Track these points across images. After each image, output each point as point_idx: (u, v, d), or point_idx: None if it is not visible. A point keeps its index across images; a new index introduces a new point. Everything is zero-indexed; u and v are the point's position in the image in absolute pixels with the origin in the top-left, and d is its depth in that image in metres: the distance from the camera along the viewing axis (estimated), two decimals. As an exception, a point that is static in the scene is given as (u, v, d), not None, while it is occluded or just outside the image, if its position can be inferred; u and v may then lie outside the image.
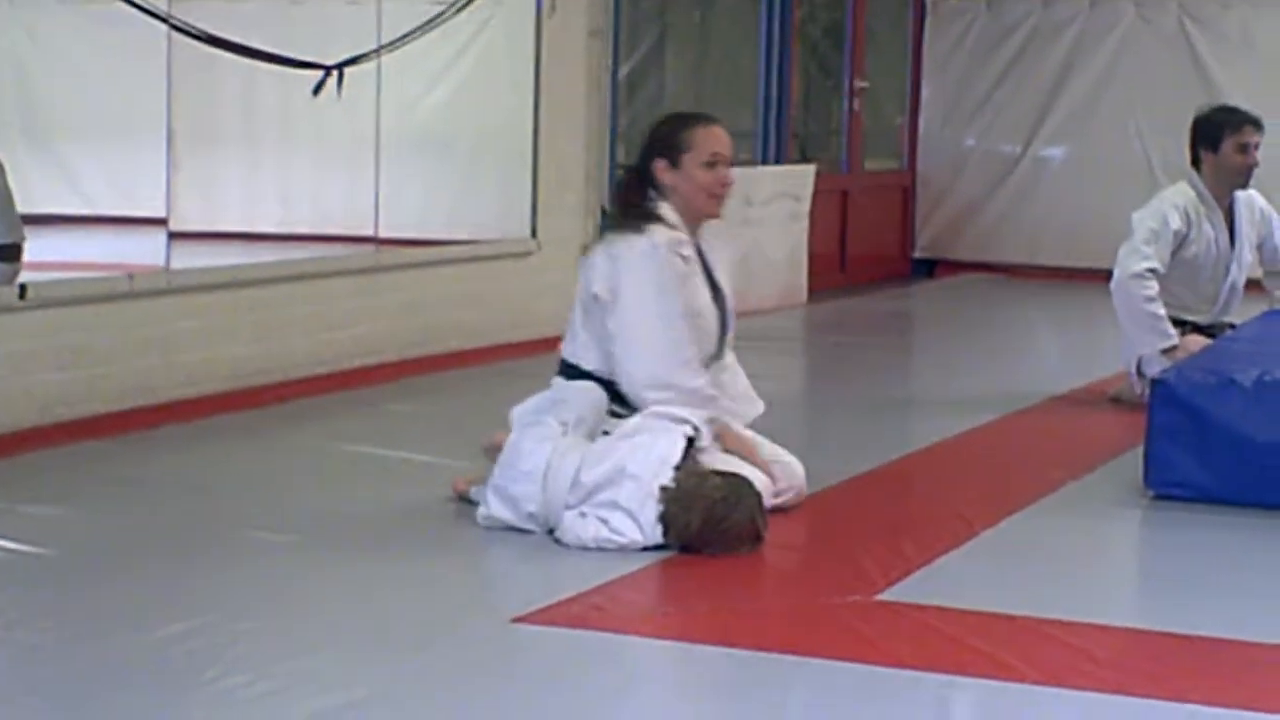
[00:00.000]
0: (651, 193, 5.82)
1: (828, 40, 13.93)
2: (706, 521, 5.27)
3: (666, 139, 5.86)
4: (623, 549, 5.28)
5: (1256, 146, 8.06)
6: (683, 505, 5.29)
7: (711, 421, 5.70)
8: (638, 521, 5.30)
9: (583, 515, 5.37)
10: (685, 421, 5.55)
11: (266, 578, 5.05)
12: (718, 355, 5.95)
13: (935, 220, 14.43)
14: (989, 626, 4.62)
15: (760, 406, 6.09)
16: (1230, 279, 8.17)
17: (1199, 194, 8.07)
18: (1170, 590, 5.28)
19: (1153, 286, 7.86)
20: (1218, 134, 8.05)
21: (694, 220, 5.87)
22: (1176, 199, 8.06)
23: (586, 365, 5.78)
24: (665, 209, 5.81)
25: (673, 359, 5.68)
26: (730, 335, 6.02)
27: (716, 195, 5.84)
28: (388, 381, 8.46)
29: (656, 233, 5.75)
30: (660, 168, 5.81)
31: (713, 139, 5.84)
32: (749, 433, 5.94)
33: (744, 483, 5.40)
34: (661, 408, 5.59)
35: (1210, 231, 8.07)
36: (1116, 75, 13.79)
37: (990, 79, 14.19)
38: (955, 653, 4.39)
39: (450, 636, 4.50)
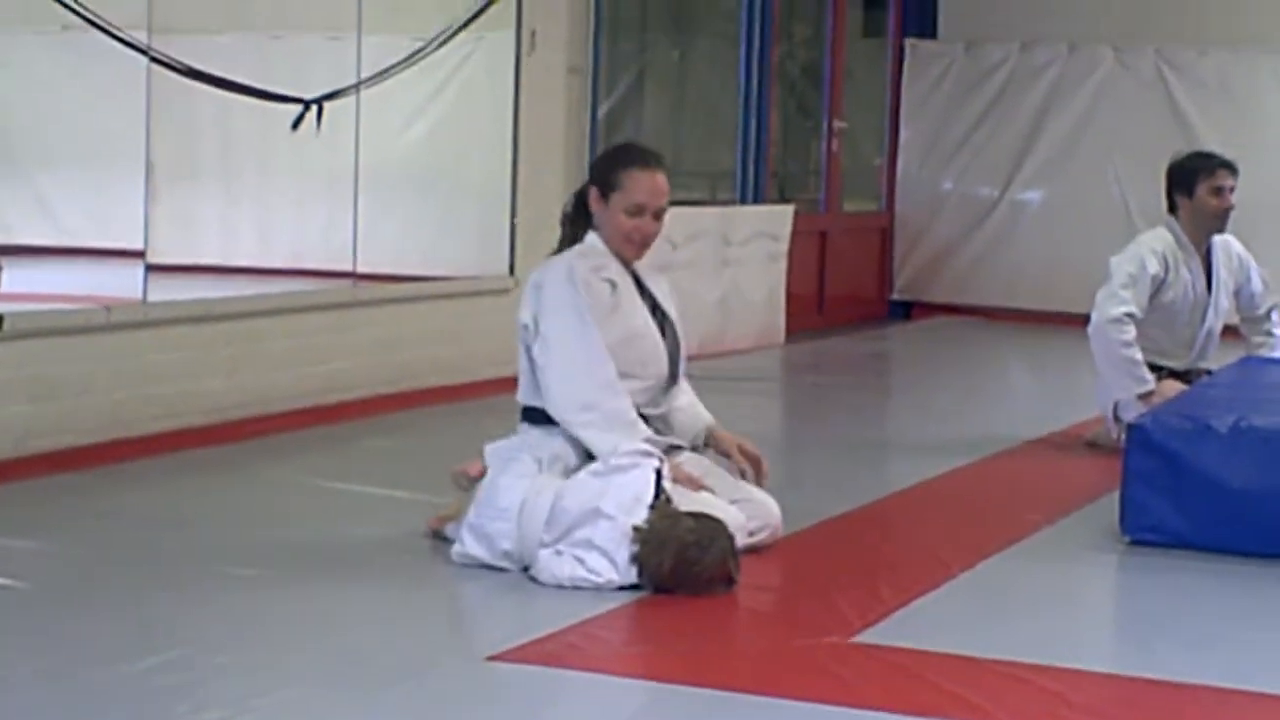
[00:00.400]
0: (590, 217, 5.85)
1: (806, 80, 13.98)
2: (678, 564, 5.26)
3: (604, 170, 5.86)
4: (598, 588, 5.26)
5: (1231, 190, 8.08)
6: (654, 547, 5.27)
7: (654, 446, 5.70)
8: (613, 561, 5.28)
9: (559, 554, 5.35)
10: (651, 455, 5.54)
11: (242, 612, 5.03)
12: (672, 380, 5.94)
13: (913, 262, 14.46)
14: (964, 670, 4.61)
15: (707, 417, 6.06)
16: (1207, 325, 8.18)
17: (1176, 239, 8.08)
18: (1145, 635, 5.28)
19: (1130, 331, 7.87)
20: (1192, 179, 8.07)
21: (617, 253, 5.88)
22: (1154, 244, 8.07)
23: (541, 404, 5.76)
24: (593, 236, 5.83)
25: (593, 380, 5.65)
26: (683, 360, 5.99)
27: (633, 242, 5.82)
28: (364, 417, 8.45)
29: (576, 258, 5.75)
30: (593, 196, 5.82)
31: (642, 188, 5.78)
32: (700, 467, 5.92)
33: (717, 525, 5.39)
34: (627, 444, 5.57)
35: (1188, 277, 8.08)
36: (1094, 120, 13.85)
37: (968, 122, 14.24)
38: (930, 696, 4.38)
39: (425, 673, 4.49)
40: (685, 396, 6.07)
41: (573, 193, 5.99)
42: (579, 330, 5.65)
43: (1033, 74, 14.03)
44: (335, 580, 5.41)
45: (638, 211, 5.77)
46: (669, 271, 8.65)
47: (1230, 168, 8.12)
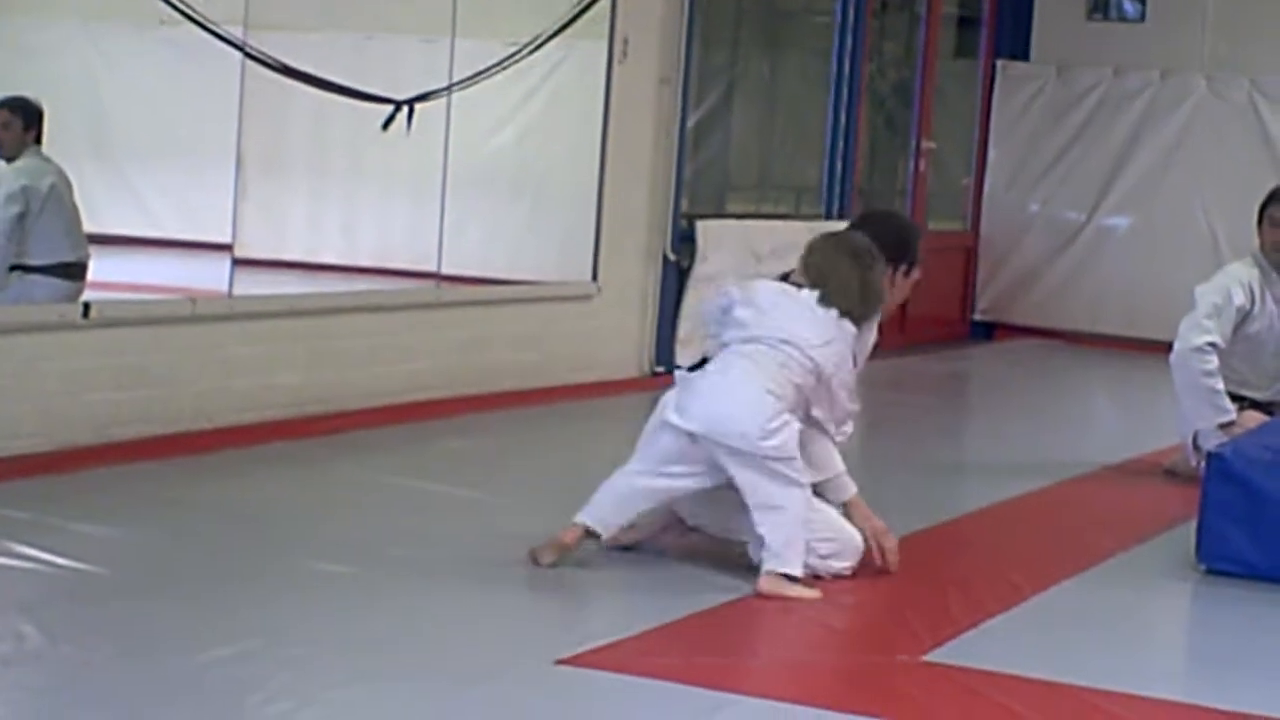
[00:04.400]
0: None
1: (896, 98, 13.94)
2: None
3: (915, 249, 6.09)
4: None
5: None
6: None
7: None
8: None
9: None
10: None
11: (313, 606, 5.07)
12: None
13: (996, 283, 14.40)
14: (1034, 693, 4.60)
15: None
16: None
17: (1264, 272, 8.01)
18: (1216, 666, 5.25)
19: (1212, 361, 7.81)
20: None
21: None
22: (1241, 275, 8.01)
23: None
24: None
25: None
26: None
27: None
28: (442, 418, 8.48)
29: None
30: (902, 271, 6.02)
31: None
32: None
33: None
34: None
35: (1274, 309, 8.00)
36: (1184, 148, 13.74)
37: (1057, 145, 14.17)
38: (998, 717, 4.37)
39: (494, 675, 4.51)
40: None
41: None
42: None
43: (1124, 100, 13.94)
44: (407, 580, 5.44)
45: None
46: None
47: None
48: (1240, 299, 7.91)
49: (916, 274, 6.07)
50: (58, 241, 7.71)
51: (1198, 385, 7.81)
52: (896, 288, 6.02)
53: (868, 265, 5.74)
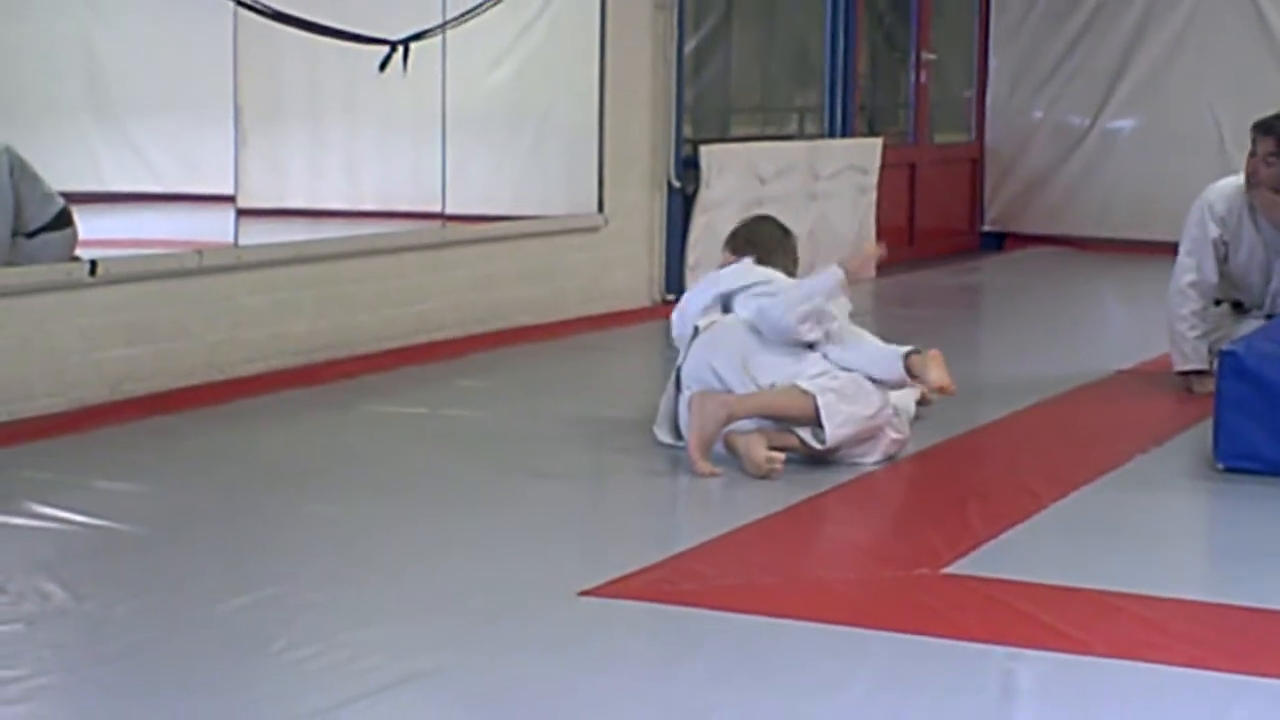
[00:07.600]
0: None
1: (894, 12, 13.88)
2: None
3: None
4: None
5: (1267, 156, 7.49)
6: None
7: None
8: None
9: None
10: None
11: (334, 550, 5.08)
12: None
13: (1004, 193, 14.36)
14: (1056, 600, 4.60)
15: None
16: (1273, 287, 7.72)
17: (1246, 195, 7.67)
18: (1241, 563, 5.24)
19: (1189, 304, 7.61)
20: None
21: None
22: (1216, 203, 7.66)
23: None
24: None
25: None
26: None
27: None
28: (455, 357, 8.49)
29: None
30: None
31: None
32: None
33: None
34: None
35: (1252, 236, 7.65)
36: (1186, 46, 13.66)
37: (1058, 50, 14.10)
38: (1021, 625, 4.38)
39: (517, 609, 4.51)
40: None
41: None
42: None
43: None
44: (426, 518, 5.45)
45: None
46: (759, 207, 8.64)
47: (1262, 128, 7.54)
48: (1215, 231, 7.64)
49: None
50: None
51: (1172, 328, 7.68)
52: None
53: (787, 234, 7.11)
